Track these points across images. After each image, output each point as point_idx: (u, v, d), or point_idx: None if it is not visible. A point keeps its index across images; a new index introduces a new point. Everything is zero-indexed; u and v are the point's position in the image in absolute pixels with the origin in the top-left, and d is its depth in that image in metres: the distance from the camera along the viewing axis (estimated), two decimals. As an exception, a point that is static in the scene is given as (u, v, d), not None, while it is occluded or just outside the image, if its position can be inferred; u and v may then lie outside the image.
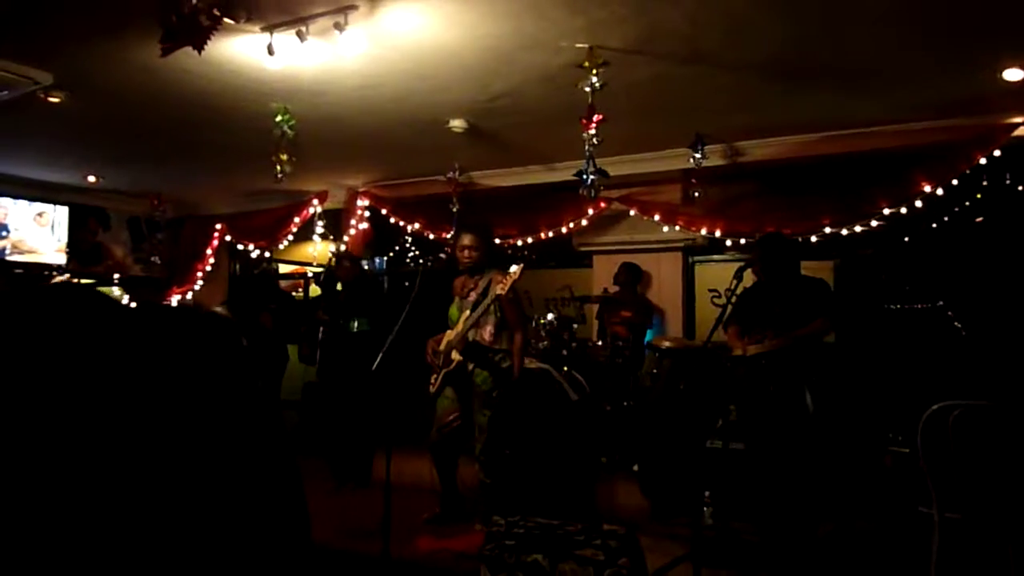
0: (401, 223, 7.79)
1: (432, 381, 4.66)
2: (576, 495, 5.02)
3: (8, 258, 7.95)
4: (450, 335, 4.62)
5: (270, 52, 4.04)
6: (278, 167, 5.43)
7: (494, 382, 4.50)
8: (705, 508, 4.56)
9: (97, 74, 4.83)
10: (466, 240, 4.57)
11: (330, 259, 7.56)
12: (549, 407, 5.57)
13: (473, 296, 4.55)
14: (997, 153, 5.29)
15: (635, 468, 5.41)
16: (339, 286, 6.17)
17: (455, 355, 4.47)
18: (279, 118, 5.32)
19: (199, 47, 3.80)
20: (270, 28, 4.01)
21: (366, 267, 8.08)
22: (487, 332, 4.47)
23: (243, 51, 4.39)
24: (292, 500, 1.77)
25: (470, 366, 4.48)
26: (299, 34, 3.97)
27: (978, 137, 5.32)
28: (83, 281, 9.27)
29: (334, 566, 4.02)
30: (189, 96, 5.19)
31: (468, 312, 4.49)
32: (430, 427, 4.71)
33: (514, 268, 4.21)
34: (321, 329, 6.10)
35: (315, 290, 8.73)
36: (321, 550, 4.20)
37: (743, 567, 3.89)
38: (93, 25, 4.13)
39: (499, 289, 4.19)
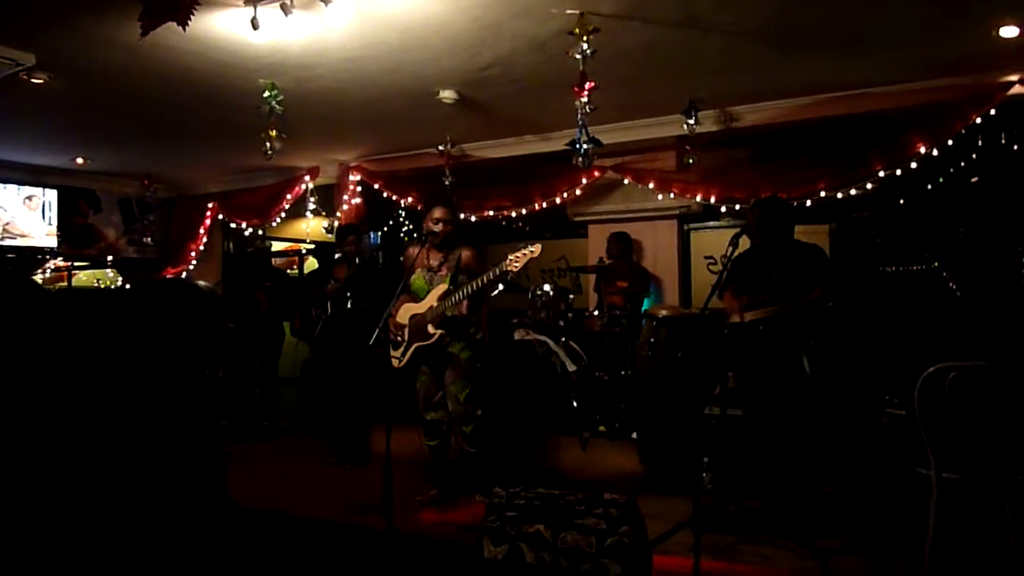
0: (394, 197, 7.74)
1: (398, 356, 4.59)
2: (519, 457, 5.07)
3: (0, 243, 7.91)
4: (414, 308, 4.56)
5: (254, 26, 3.97)
6: (267, 144, 5.38)
7: (473, 353, 4.53)
8: (704, 474, 4.59)
9: (80, 54, 4.76)
10: (440, 213, 4.53)
11: (336, 231, 7.49)
12: (542, 376, 5.62)
13: (445, 271, 4.53)
14: (992, 112, 5.24)
15: (634, 436, 5.44)
16: (338, 262, 6.09)
17: (432, 329, 4.43)
18: (267, 94, 5.26)
19: (183, 22, 3.73)
20: (253, 1, 3.94)
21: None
22: (464, 306, 4.44)
23: (227, 26, 4.32)
24: (211, 461, 1.83)
25: (445, 339, 4.47)
26: (283, 7, 3.90)
27: (973, 96, 5.27)
28: (76, 264, 9.27)
29: (340, 541, 4.05)
30: (174, 74, 5.12)
31: (444, 286, 4.45)
32: (415, 404, 4.71)
33: (533, 247, 4.18)
34: (328, 304, 6.04)
35: (311, 264, 8.70)
36: (326, 526, 4.23)
37: (743, 531, 3.93)
38: (74, 3, 4.06)
39: (511, 266, 4.13)
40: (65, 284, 9.69)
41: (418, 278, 4.58)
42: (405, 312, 4.57)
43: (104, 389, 1.74)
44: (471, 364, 4.53)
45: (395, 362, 4.58)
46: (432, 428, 4.66)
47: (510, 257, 4.17)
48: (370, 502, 4.35)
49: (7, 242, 7.96)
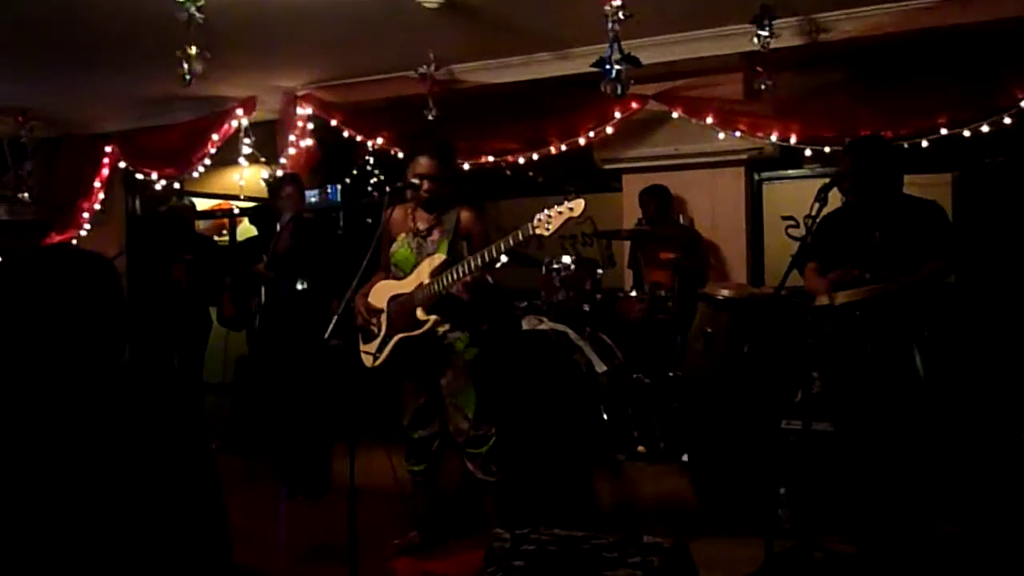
0: (359, 138, 7.75)
1: (372, 351, 4.57)
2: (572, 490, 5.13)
3: None
4: (395, 286, 4.56)
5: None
6: (185, 65, 5.37)
7: (480, 351, 4.54)
8: (780, 510, 4.62)
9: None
10: (424, 166, 4.47)
11: (269, 184, 7.49)
12: (559, 380, 5.64)
13: (437, 235, 4.49)
14: None
15: (684, 459, 5.48)
16: (278, 228, 6.11)
17: (422, 315, 4.40)
18: (183, -3, 5.26)
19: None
20: None
21: (314, 199, 8.06)
22: (462, 283, 4.38)
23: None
24: (212, 519, 1.87)
25: (441, 329, 4.45)
26: None
27: None
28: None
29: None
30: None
31: (440, 256, 4.39)
32: (399, 415, 4.73)
33: (572, 204, 3.99)
34: (263, 289, 6.06)
35: (247, 230, 8.72)
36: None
37: (832, 587, 3.97)
38: None
39: (542, 229, 4.02)
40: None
41: (401, 246, 4.55)
42: (382, 292, 4.55)
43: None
44: (477, 366, 4.53)
45: (367, 360, 4.55)
46: (419, 448, 4.68)
47: (540, 216, 4.02)
48: (330, 546, 4.40)
49: None
